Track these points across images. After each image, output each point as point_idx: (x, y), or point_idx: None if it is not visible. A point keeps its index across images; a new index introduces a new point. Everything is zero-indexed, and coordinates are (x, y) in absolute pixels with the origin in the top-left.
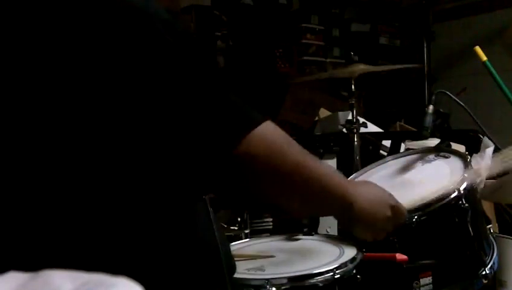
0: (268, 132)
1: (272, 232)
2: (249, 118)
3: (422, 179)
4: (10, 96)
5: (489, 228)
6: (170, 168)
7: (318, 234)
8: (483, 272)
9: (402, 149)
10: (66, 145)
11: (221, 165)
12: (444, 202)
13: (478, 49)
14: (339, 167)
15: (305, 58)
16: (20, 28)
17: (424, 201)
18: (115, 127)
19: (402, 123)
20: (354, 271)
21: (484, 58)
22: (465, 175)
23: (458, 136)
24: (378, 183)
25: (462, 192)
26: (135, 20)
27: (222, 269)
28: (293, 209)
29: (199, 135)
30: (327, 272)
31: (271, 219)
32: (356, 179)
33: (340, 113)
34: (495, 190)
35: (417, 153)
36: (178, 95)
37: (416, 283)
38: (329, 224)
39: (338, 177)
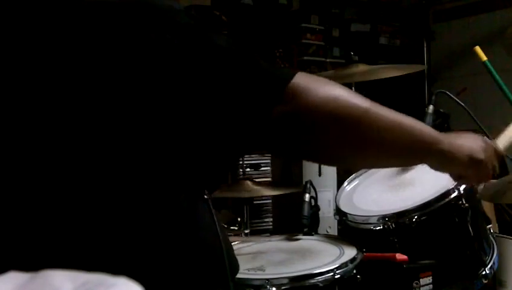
0: (309, 80)
1: (272, 232)
2: (285, 73)
3: (422, 179)
4: (11, 95)
5: (489, 228)
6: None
7: (318, 234)
8: (483, 272)
9: None
10: (66, 143)
11: (271, 123)
12: (444, 202)
13: (478, 49)
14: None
15: (305, 58)
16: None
17: (424, 201)
18: (125, 123)
19: None
20: (354, 271)
21: (484, 58)
22: None
23: None
24: (378, 184)
25: (462, 192)
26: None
27: (225, 269)
28: (369, 159)
29: (238, 102)
30: (327, 272)
31: (271, 219)
32: (357, 179)
33: None
34: (495, 190)
35: None
36: (211, 74)
37: (416, 283)
38: (329, 224)
39: (414, 121)
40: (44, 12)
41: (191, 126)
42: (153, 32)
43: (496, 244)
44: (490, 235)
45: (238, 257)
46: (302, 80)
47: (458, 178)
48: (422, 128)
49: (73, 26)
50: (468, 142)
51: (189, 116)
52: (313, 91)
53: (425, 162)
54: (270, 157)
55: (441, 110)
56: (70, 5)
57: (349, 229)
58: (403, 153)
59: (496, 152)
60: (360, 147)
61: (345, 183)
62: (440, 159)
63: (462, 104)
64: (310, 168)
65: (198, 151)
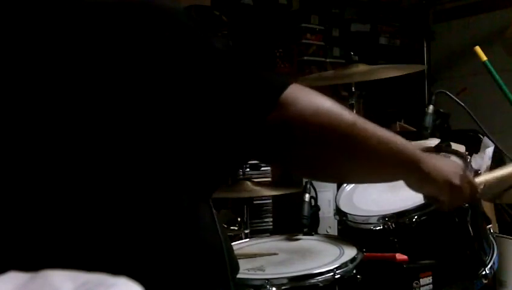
0: (300, 91)
1: (272, 232)
2: (280, 82)
3: None
4: (11, 96)
5: (489, 228)
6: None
7: (318, 234)
8: (483, 272)
9: None
10: (67, 143)
11: (263, 132)
12: None
13: (478, 49)
14: None
15: (305, 58)
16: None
17: (424, 201)
18: (125, 123)
19: (402, 123)
20: (354, 271)
21: (484, 58)
22: None
23: (458, 136)
24: (378, 184)
25: None
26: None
27: (226, 269)
28: (352, 173)
29: (232, 107)
30: (327, 272)
31: (271, 219)
32: None
33: None
34: (495, 190)
35: None
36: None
37: (416, 283)
38: (329, 224)
39: (397, 137)
40: (46, 12)
41: (188, 127)
42: (153, 33)
43: (496, 244)
44: (490, 235)
45: (238, 257)
46: (295, 90)
47: (431, 199)
48: (406, 145)
49: (73, 26)
50: (447, 167)
51: (186, 117)
52: (303, 102)
53: (404, 179)
54: None
55: (441, 110)
56: (71, 6)
57: (349, 229)
58: (386, 168)
59: (472, 184)
60: (345, 160)
61: (345, 183)
62: (419, 178)
63: (462, 104)
64: None
65: (195, 153)
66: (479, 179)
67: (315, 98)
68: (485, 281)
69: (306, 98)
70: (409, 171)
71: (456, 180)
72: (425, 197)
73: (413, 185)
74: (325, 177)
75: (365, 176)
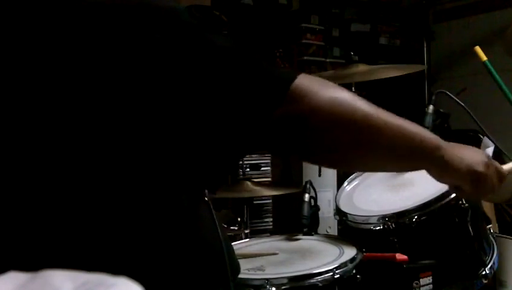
0: (312, 82)
1: (272, 232)
2: (287, 74)
3: (422, 179)
4: (11, 96)
5: (489, 228)
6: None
7: (318, 234)
8: (483, 272)
9: None
10: (68, 143)
11: (275, 125)
12: (444, 202)
13: (478, 49)
14: None
15: (305, 58)
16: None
17: (424, 201)
18: (127, 123)
19: None
20: (354, 271)
21: (484, 58)
22: None
23: (458, 136)
24: (378, 184)
25: None
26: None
27: (226, 270)
28: (371, 162)
29: (240, 103)
30: (327, 272)
31: (271, 219)
32: (357, 179)
33: None
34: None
35: None
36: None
37: (416, 283)
38: (329, 224)
39: (416, 126)
40: (46, 12)
41: (193, 126)
42: (155, 33)
43: (496, 244)
44: (490, 235)
45: (238, 257)
46: (305, 81)
47: (456, 189)
48: (425, 134)
49: (75, 27)
50: (470, 155)
51: (191, 116)
52: (317, 93)
53: (425, 168)
54: (270, 158)
55: (441, 110)
56: (73, 6)
57: (349, 229)
58: (404, 157)
59: (498, 171)
60: (362, 150)
61: (345, 183)
62: (440, 167)
63: (462, 104)
64: (310, 168)
65: (199, 151)
66: (505, 166)
67: (329, 89)
68: (485, 281)
69: (320, 89)
70: (430, 160)
71: (481, 168)
72: (449, 187)
73: (435, 175)
74: (344, 166)
75: (384, 164)
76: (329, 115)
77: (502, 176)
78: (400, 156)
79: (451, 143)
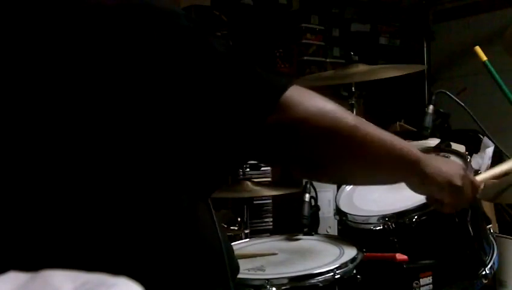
0: (302, 93)
1: (272, 232)
2: (281, 83)
3: None
4: (11, 96)
5: (489, 228)
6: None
7: (318, 234)
8: (483, 272)
9: None
10: (67, 143)
11: (264, 133)
12: None
13: (478, 49)
14: None
15: (305, 58)
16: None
17: (424, 201)
18: (126, 124)
19: (402, 123)
20: (354, 271)
21: (484, 58)
22: None
23: (458, 136)
24: None
25: None
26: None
27: (225, 270)
28: (353, 175)
29: (232, 109)
30: (327, 272)
31: (271, 219)
32: None
33: None
34: (495, 190)
35: None
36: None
37: (416, 283)
38: (329, 224)
39: (398, 139)
40: (47, 13)
41: (188, 128)
42: (153, 36)
43: (496, 244)
44: (490, 235)
45: (238, 257)
46: (297, 92)
47: (433, 201)
48: (406, 147)
49: (74, 29)
50: (447, 167)
51: (186, 118)
52: (306, 104)
53: (406, 181)
54: None
55: (441, 110)
56: (72, 8)
57: (349, 229)
58: (387, 170)
59: (473, 183)
60: (346, 162)
61: None
62: (419, 179)
63: (462, 104)
64: None
65: (195, 153)
66: (479, 178)
67: (318, 101)
68: (485, 281)
69: (309, 100)
70: (410, 172)
71: (457, 181)
72: (427, 199)
73: (414, 187)
74: (326, 179)
75: (366, 178)
76: (316, 125)
77: (475, 187)
78: (384, 168)
79: (429, 155)
